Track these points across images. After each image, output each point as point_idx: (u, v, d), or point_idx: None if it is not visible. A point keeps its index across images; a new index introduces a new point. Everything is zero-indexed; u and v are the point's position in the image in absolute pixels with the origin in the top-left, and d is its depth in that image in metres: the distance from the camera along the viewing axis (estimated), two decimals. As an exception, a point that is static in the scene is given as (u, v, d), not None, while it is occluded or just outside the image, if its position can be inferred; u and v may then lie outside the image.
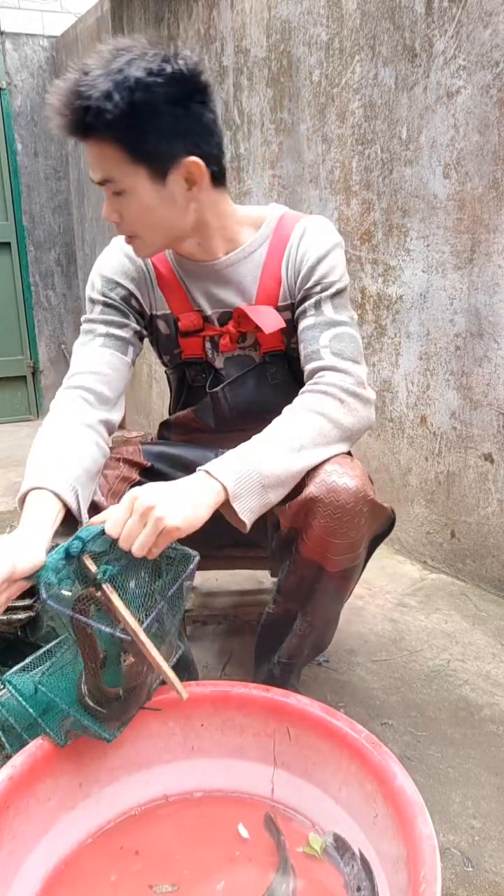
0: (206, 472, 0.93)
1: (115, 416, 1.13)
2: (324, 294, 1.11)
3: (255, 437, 0.99)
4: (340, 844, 0.95)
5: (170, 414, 1.37)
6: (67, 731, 0.94)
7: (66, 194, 4.04)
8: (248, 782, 1.06)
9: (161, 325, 1.22)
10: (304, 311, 1.12)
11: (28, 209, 3.96)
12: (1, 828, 0.86)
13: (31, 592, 1.40)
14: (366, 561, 1.12)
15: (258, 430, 1.14)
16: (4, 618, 1.35)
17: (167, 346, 1.25)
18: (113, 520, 0.88)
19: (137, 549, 0.86)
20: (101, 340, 1.15)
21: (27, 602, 1.38)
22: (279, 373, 1.22)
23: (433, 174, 1.78)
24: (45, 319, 4.14)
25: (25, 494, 0.98)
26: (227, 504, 0.93)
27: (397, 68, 1.82)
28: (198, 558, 0.91)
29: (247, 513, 0.93)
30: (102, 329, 1.16)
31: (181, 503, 0.88)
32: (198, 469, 0.95)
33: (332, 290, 1.11)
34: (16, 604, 1.37)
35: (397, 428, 2.06)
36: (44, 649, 1.06)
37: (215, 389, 1.22)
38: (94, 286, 1.18)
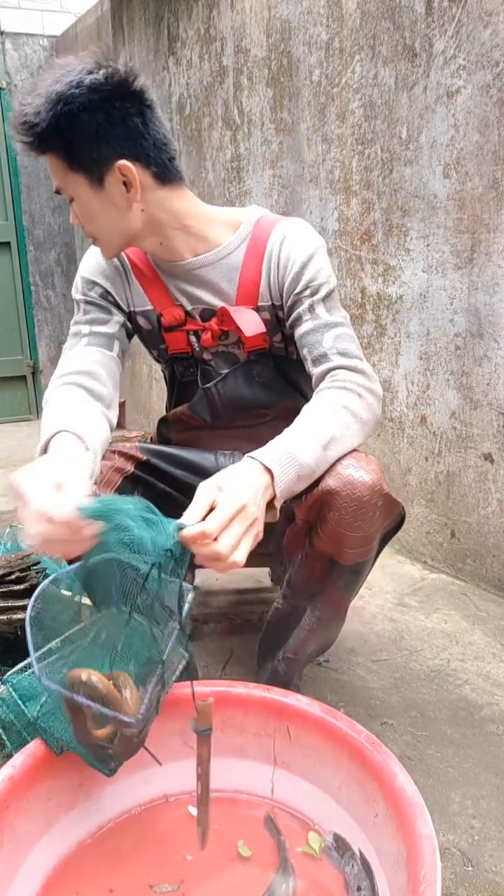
0: (262, 464, 0.93)
1: (111, 416, 1.14)
2: (315, 298, 1.13)
3: (287, 431, 1.00)
4: (340, 844, 0.95)
5: (167, 411, 1.37)
6: (62, 746, 0.94)
7: (66, 194, 4.04)
8: (248, 782, 1.06)
9: (142, 321, 1.24)
10: (300, 317, 1.13)
11: (28, 209, 3.96)
12: (1, 827, 0.86)
13: (31, 592, 1.40)
14: (375, 558, 1.13)
15: (255, 425, 1.14)
16: (4, 618, 1.35)
17: (152, 342, 1.27)
18: (217, 522, 0.84)
19: (238, 558, 0.86)
20: (86, 340, 1.18)
21: (27, 602, 1.38)
22: (265, 371, 1.24)
23: (433, 174, 1.78)
24: (45, 319, 4.13)
25: (49, 440, 0.99)
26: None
27: (397, 68, 1.82)
28: (192, 593, 0.90)
29: (280, 500, 0.95)
30: (86, 329, 1.19)
31: (262, 513, 0.90)
32: (248, 456, 0.94)
33: (322, 292, 1.13)
34: (15, 604, 1.37)
35: (397, 428, 2.06)
36: (45, 649, 1.06)
37: (208, 385, 1.24)
38: (76, 288, 1.24)
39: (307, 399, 1.09)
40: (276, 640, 1.24)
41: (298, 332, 1.13)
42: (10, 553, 1.57)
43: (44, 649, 0.87)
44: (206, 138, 2.68)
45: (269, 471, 0.93)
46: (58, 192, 1.10)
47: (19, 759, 0.91)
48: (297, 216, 1.26)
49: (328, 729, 0.98)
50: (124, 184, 1.06)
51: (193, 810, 1.03)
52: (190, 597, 0.89)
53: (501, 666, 1.54)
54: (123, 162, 1.04)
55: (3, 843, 0.86)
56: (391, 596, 1.87)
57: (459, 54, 1.66)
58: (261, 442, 0.97)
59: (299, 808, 1.03)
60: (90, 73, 1.00)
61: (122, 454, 1.20)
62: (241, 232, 1.17)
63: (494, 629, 1.69)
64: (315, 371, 1.10)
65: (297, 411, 1.04)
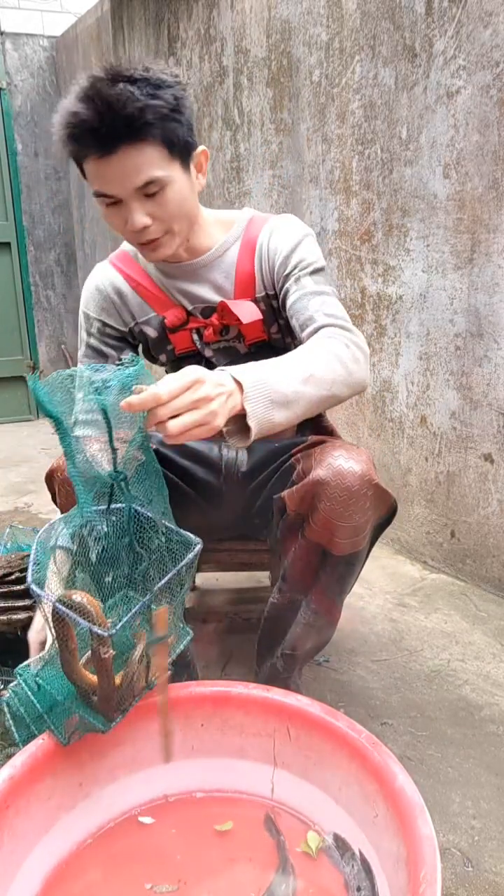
0: (232, 376, 0.92)
1: None
2: (302, 272, 1.16)
3: (266, 361, 1.00)
4: (340, 844, 0.95)
5: None
6: (72, 732, 0.94)
7: (66, 194, 4.04)
8: (248, 782, 1.06)
9: (148, 329, 1.28)
10: (287, 291, 1.17)
11: (28, 209, 3.96)
12: (1, 827, 0.86)
13: (31, 593, 1.40)
14: (368, 550, 1.13)
15: None
16: (4, 618, 1.35)
17: (159, 347, 1.29)
18: (168, 387, 0.83)
19: (176, 429, 0.84)
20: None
21: (27, 602, 1.38)
22: None
23: (433, 174, 1.78)
24: (45, 319, 4.14)
25: None
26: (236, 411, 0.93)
27: (397, 68, 1.82)
28: (200, 546, 0.90)
29: (253, 420, 0.93)
30: (85, 361, 1.28)
31: (224, 410, 0.88)
32: (219, 369, 0.94)
33: (310, 268, 1.16)
34: (15, 604, 1.37)
35: (397, 428, 2.06)
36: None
37: None
38: (80, 324, 1.30)
39: None
40: (273, 636, 1.24)
41: (288, 305, 1.16)
42: (10, 553, 1.57)
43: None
44: (206, 138, 2.68)
45: (239, 385, 0.92)
46: (138, 189, 1.03)
47: (19, 759, 0.91)
48: (296, 216, 1.27)
49: (328, 729, 0.98)
50: (195, 167, 1.12)
51: (144, 819, 1.03)
52: (197, 549, 0.89)
53: (501, 666, 1.54)
54: (203, 147, 1.12)
55: (3, 843, 0.86)
56: (391, 596, 1.87)
57: (459, 55, 1.66)
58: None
59: (299, 808, 1.03)
60: (160, 66, 1.04)
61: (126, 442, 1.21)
62: (234, 230, 1.22)
63: (494, 629, 1.69)
64: (304, 335, 1.12)
65: None
